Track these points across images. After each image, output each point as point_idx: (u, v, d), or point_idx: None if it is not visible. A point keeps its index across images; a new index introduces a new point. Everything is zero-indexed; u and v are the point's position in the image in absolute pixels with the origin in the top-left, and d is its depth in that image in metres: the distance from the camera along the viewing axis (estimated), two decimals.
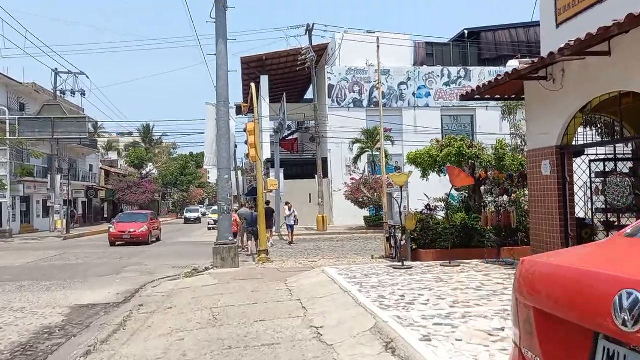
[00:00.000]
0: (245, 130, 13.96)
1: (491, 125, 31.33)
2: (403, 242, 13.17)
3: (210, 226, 32.53)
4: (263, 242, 13.58)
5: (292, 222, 20.91)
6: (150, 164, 57.11)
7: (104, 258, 17.32)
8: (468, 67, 33.11)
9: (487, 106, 32.50)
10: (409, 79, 32.14)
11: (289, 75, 38.38)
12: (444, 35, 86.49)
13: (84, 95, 33.76)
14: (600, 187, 10.32)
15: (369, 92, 31.75)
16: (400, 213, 11.49)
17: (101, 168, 52.07)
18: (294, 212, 20.79)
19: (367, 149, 28.20)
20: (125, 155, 56.90)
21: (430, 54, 34.76)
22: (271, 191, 14.17)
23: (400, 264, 10.68)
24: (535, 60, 8.76)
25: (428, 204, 13.86)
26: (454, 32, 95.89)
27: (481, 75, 32.84)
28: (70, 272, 13.35)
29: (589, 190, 10.29)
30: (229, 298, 8.06)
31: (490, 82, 10.08)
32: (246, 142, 14.29)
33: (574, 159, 9.73)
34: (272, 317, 6.59)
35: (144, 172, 51.60)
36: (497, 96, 11.32)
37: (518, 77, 9.45)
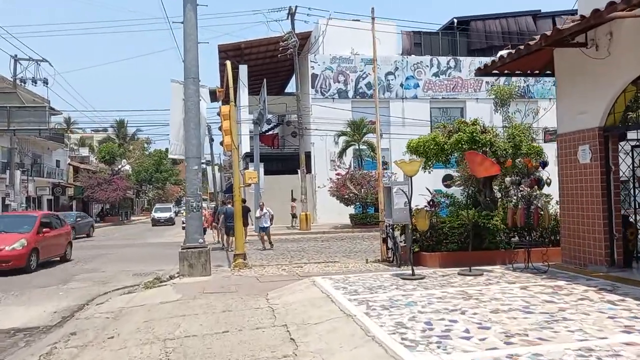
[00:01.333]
0: (219, 114, 11.94)
1: (482, 118, 29.76)
2: (402, 244, 11.36)
3: (184, 225, 30.02)
4: (240, 244, 11.59)
5: (267, 224, 17.73)
6: (124, 160, 54.34)
7: (54, 263, 15.07)
8: (458, 57, 31.54)
9: (477, 98, 31.11)
10: (396, 68, 30.40)
11: (270, 66, 36.28)
12: (433, 23, 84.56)
13: (47, 84, 31.09)
14: None
15: (355, 82, 29.90)
16: (410, 210, 9.62)
17: (70, 164, 49.09)
18: (267, 212, 17.76)
19: (353, 142, 26.37)
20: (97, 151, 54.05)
21: (418, 43, 33.08)
22: (249, 185, 12.16)
23: (405, 271, 8.84)
24: (578, 18, 6.98)
25: (432, 200, 12.05)
26: (443, 20, 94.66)
27: (472, 65, 31.25)
28: (7, 282, 11.16)
29: (632, 181, 8.59)
30: (192, 322, 6.08)
31: (514, 51, 8.28)
32: (220, 128, 12.25)
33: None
34: (248, 355, 4.66)
35: (115, 168, 48.77)
36: (518, 71, 9.55)
37: (554, 43, 7.67)
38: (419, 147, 11.17)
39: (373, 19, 13.00)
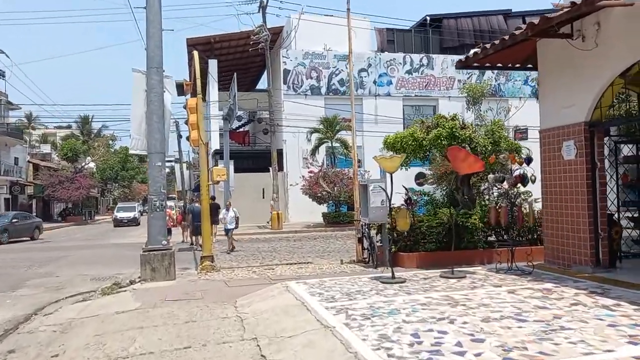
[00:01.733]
0: (185, 107, 11.20)
1: None
2: (379, 244, 10.89)
3: None
4: (207, 245, 10.89)
5: (232, 225, 16.45)
6: (88, 157, 52.39)
7: (6, 267, 14.00)
8: (431, 55, 31.40)
9: (449, 96, 31.06)
10: (369, 65, 30.03)
11: (241, 61, 35.40)
12: (407, 19, 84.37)
13: (4, 76, 29.48)
14: (630, 175, 8.41)
15: (328, 79, 29.38)
16: (391, 209, 9.13)
17: (29, 161, 46.92)
18: (233, 213, 16.57)
19: (326, 140, 25.85)
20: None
21: (391, 40, 32.79)
22: (218, 183, 11.47)
23: (384, 273, 8.34)
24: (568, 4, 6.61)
25: (408, 198, 11.63)
26: (416, 17, 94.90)
27: (444, 63, 31.26)
28: None
29: (616, 179, 8.34)
30: (150, 336, 5.41)
31: (498, 42, 7.89)
32: (186, 122, 11.52)
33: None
34: None
35: (78, 166, 46.87)
36: (499, 64, 9.18)
37: (539, 33, 7.29)
38: (396, 143, 10.71)
39: (348, 9, 12.46)
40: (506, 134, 17.56)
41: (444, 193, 12.04)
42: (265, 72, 34.00)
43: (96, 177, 53.08)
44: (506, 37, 7.56)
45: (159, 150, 9.82)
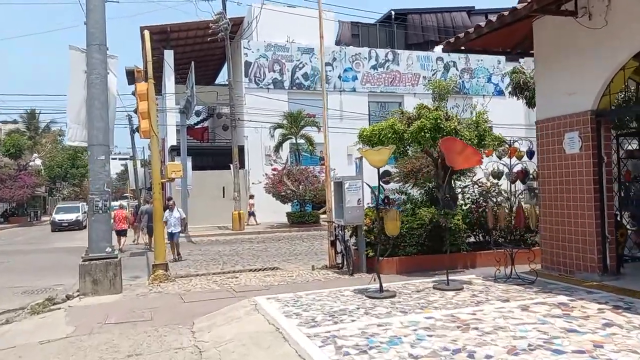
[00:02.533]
0: (134, 94, 9.78)
1: None
2: (354, 248, 9.85)
3: None
4: (160, 252, 9.53)
5: (177, 229, 13.89)
6: (35, 154, 49.01)
7: None
8: (396, 51, 30.73)
9: (414, 93, 30.48)
10: (334, 59, 29.03)
11: (200, 53, 33.67)
12: (373, 12, 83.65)
13: None
14: (633, 172, 7.69)
15: (292, 72, 28.16)
16: (378, 208, 8.05)
17: None
18: (179, 214, 14.13)
19: (290, 136, 24.64)
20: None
21: (355, 34, 31.96)
22: (173, 180, 10.08)
23: (369, 285, 7.28)
24: None
25: (386, 197, 10.66)
26: (381, 10, 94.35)
27: (409, 59, 30.67)
28: None
29: (618, 175, 7.59)
30: None
31: (496, 19, 6.97)
32: (135, 111, 10.11)
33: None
34: None
35: (22, 163, 43.69)
36: (488, 48, 8.31)
37: (543, 9, 6.41)
38: (373, 136, 9.68)
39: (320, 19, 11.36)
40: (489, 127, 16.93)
41: (423, 191, 11.11)
42: (226, 65, 32.48)
43: (43, 175, 49.78)
44: (505, 14, 6.64)
45: (101, 142, 8.40)
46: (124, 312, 6.70)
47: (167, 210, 13.50)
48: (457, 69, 31.18)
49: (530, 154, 6.78)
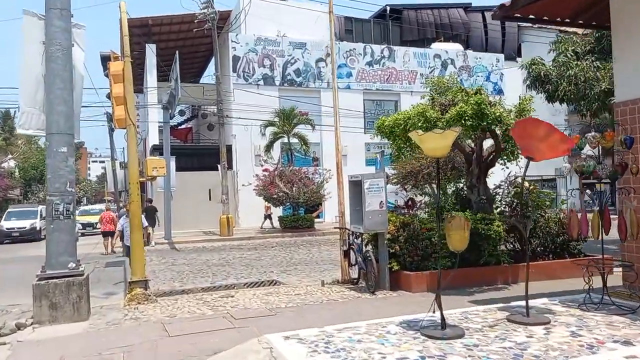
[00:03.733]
0: (107, 75, 8.06)
1: None
2: (369, 258, 8.24)
3: (80, 231, 23.52)
4: (138, 266, 7.79)
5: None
6: (9, 154, 46.45)
7: None
8: (392, 47, 29.33)
9: (411, 91, 29.13)
10: (327, 55, 27.46)
11: (183, 50, 31.75)
12: (368, 3, 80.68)
13: None
14: None
15: (283, 68, 26.54)
16: (439, 214, 6.47)
17: None
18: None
19: (282, 135, 22.99)
20: None
21: (349, 30, 30.48)
22: (154, 178, 8.37)
23: (379, 297, 5.71)
24: None
25: (410, 199, 9.09)
26: (376, 6, 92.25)
27: (406, 56, 29.31)
28: None
29: None
30: None
31: None
32: (108, 96, 8.40)
33: None
34: None
35: None
36: (546, 18, 6.80)
37: None
38: (396, 126, 8.09)
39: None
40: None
41: (451, 192, 9.52)
42: (212, 61, 30.72)
43: (17, 178, 47.25)
44: None
45: (63, 130, 6.67)
46: (87, 353, 4.98)
47: (124, 217, 10.64)
48: (455, 67, 29.92)
49: (629, 142, 5.25)
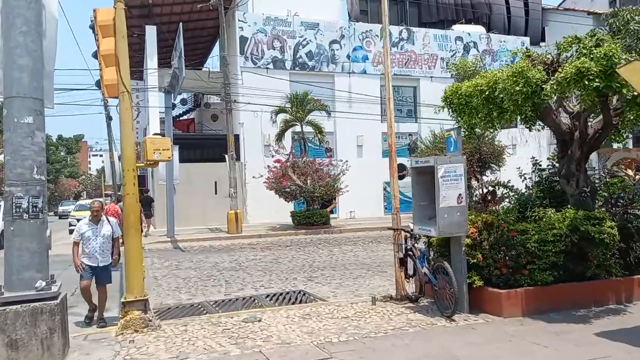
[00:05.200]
0: (92, 28, 6.07)
1: (436, 99, 25.74)
2: (445, 270, 6.29)
3: (71, 228, 21.61)
4: (136, 280, 5.82)
5: (104, 258, 6.57)
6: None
7: None
8: (411, 28, 27.23)
9: (431, 76, 27.10)
10: (342, 36, 25.40)
11: (186, 35, 29.59)
12: None
13: None
14: None
15: (294, 50, 24.46)
16: (487, 204, 4.61)
17: None
18: (111, 226, 6.73)
19: (295, 122, 20.96)
20: None
21: (364, 10, 28.36)
22: (155, 164, 6.34)
23: (460, 325, 3.78)
24: None
25: (490, 191, 7.13)
26: None
27: (426, 38, 27.21)
28: None
29: None
30: None
31: None
32: (95, 55, 6.42)
33: None
34: None
35: None
36: None
37: None
38: (475, 94, 6.10)
39: None
40: None
41: (534, 184, 7.48)
42: (217, 44, 28.67)
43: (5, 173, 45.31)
44: None
45: (27, 93, 4.69)
46: None
47: (85, 220, 6.78)
48: (477, 50, 27.82)
49: None
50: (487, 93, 5.83)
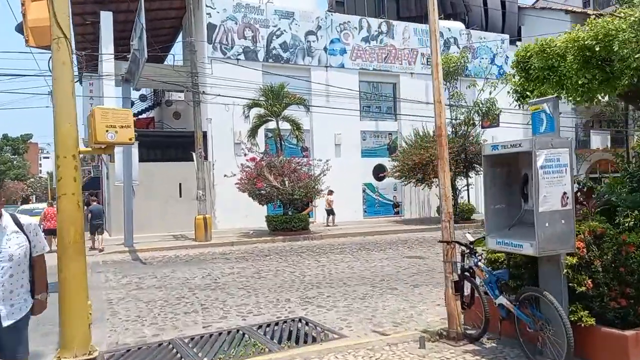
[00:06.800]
0: None
1: (417, 95, 24.47)
2: (552, 305, 4.48)
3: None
4: (77, 330, 3.73)
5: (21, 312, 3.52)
6: None
7: None
8: (391, 21, 25.70)
9: (412, 72, 25.64)
10: (318, 27, 23.56)
11: (147, 24, 27.14)
12: None
13: None
14: None
15: (267, 40, 22.42)
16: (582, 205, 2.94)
17: None
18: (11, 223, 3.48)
19: (270, 118, 18.92)
20: None
21: (340, 1, 26.73)
22: (109, 149, 4.24)
23: None
24: None
25: (587, 187, 5.36)
26: None
27: (406, 32, 25.74)
28: None
29: None
30: None
31: None
32: (19, 28, 4.20)
33: None
34: None
35: None
36: None
37: None
38: (575, 49, 4.35)
39: None
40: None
41: (625, 182, 5.74)
42: (183, 31, 26.32)
43: None
44: None
45: None
46: None
47: None
48: (458, 47, 26.59)
49: None
50: (597, 49, 4.09)
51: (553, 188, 3.91)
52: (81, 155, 4.04)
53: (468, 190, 22.40)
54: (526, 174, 4.27)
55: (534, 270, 4.44)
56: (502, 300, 4.43)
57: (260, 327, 6.53)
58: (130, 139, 3.98)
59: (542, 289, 4.08)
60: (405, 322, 6.61)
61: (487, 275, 4.65)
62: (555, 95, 4.95)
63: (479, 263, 4.78)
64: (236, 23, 21.90)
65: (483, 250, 5.06)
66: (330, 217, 21.22)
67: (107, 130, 3.89)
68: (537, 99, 4.36)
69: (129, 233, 15.95)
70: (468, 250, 4.89)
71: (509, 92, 5.33)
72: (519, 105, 5.11)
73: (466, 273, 4.93)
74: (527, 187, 4.22)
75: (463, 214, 20.96)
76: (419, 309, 7.30)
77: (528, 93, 5.08)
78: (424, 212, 25.23)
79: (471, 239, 4.92)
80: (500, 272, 4.56)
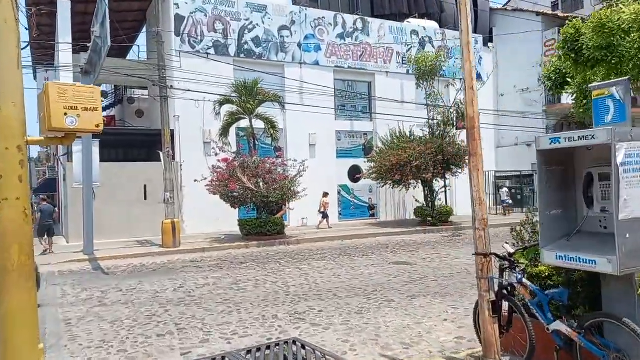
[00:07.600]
0: None
1: (391, 94, 23.94)
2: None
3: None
4: None
5: None
6: None
7: None
8: (366, 18, 25.04)
9: (387, 71, 25.07)
10: (292, 22, 22.63)
11: (109, 15, 25.49)
12: None
13: None
14: None
15: (239, 35, 21.32)
16: None
17: None
18: None
19: (243, 115, 17.84)
20: None
21: None
22: (69, 138, 3.32)
23: None
24: None
25: None
26: None
27: (381, 30, 25.16)
28: None
29: None
30: None
31: None
32: None
33: None
34: None
35: None
36: None
37: None
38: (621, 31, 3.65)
39: None
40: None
41: None
42: (148, 23, 24.84)
43: None
44: None
45: None
46: None
47: None
48: (433, 46, 26.24)
49: None
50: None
51: (633, 190, 3.18)
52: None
53: (446, 192, 21.96)
54: (589, 172, 3.52)
55: (592, 289, 3.70)
56: (559, 326, 3.66)
57: (249, 351, 5.57)
58: (98, 126, 2.99)
59: (620, 315, 3.33)
60: (416, 344, 5.82)
61: (536, 295, 3.89)
62: (579, 80, 4.28)
63: (523, 280, 4.01)
64: (206, 15, 20.72)
65: (521, 263, 4.30)
66: (325, 220, 20.64)
67: (65, 114, 2.89)
68: (601, 83, 3.62)
69: (88, 239, 14.58)
70: (508, 264, 4.11)
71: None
72: (553, 96, 4.37)
73: (506, 291, 4.15)
74: (592, 189, 3.48)
75: (441, 217, 20.50)
76: (426, 326, 6.52)
77: (569, 79, 4.36)
78: (399, 214, 24.66)
79: (511, 250, 4.15)
80: (555, 292, 3.80)
